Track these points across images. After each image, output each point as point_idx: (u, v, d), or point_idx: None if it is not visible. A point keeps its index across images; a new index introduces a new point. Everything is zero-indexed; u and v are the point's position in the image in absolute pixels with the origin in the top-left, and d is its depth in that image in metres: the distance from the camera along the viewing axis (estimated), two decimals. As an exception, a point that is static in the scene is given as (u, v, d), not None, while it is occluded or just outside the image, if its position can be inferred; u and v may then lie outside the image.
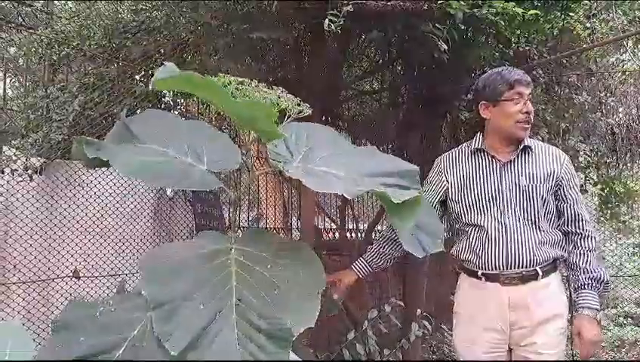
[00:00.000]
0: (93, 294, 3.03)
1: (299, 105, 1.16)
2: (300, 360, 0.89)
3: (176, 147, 1.15)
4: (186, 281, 0.96)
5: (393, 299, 2.94)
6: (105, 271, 3.15)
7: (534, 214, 1.86)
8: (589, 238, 1.92)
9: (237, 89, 1.10)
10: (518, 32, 2.66)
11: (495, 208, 1.87)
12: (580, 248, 1.90)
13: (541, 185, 1.87)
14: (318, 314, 0.92)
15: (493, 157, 1.93)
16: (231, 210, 1.26)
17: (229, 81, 1.10)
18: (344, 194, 1.11)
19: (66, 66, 3.27)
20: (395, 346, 2.84)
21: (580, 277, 1.88)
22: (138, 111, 3.26)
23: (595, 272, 1.87)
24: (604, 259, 6.88)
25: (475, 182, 1.92)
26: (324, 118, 3.30)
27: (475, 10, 2.21)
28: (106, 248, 3.19)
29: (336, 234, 4.48)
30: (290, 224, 5.03)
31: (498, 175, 1.90)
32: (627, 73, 4.16)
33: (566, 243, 1.94)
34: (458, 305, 1.99)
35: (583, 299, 1.86)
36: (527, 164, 1.90)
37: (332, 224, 4.52)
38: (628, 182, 5.47)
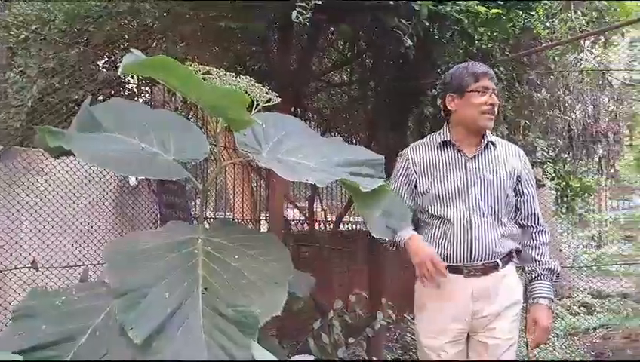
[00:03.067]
0: (52, 286, 2.96)
1: (267, 94, 1.17)
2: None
3: (143, 136, 1.14)
4: (151, 270, 0.96)
5: (357, 289, 2.99)
6: (65, 261, 3.08)
7: (497, 208, 1.93)
8: (544, 232, 2.03)
9: (204, 78, 1.10)
10: (482, 29, 2.72)
11: (460, 202, 1.93)
12: (536, 241, 2.00)
13: (504, 180, 1.94)
14: (284, 303, 0.94)
15: (459, 150, 1.98)
16: (198, 200, 1.26)
17: (196, 69, 1.09)
18: (316, 183, 1.13)
19: (25, 50, 3.15)
20: (360, 335, 2.88)
21: (537, 269, 1.98)
22: (100, 99, 3.19)
23: (549, 264, 1.98)
24: (560, 251, 7.17)
25: (441, 175, 1.97)
26: (292, 109, 3.30)
27: (440, 7, 2.26)
28: (66, 238, 3.12)
29: (305, 226, 4.50)
30: (259, 215, 5.02)
31: (464, 169, 1.96)
32: (584, 72, 4.33)
33: (522, 236, 2.02)
34: (421, 296, 2.03)
35: (539, 289, 1.96)
36: (491, 160, 1.97)
37: (301, 215, 4.54)
38: (583, 178, 5.71)
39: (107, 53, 3.32)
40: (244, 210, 5.06)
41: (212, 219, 4.37)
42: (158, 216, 3.55)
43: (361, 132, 4.23)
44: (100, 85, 3.19)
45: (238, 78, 1.14)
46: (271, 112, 1.33)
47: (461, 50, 2.79)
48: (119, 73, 0.96)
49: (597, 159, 5.45)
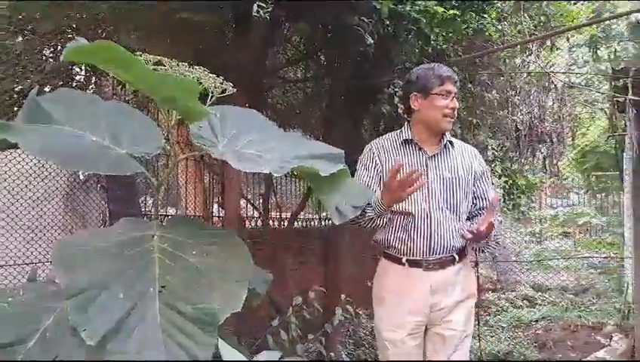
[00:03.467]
0: (-2, 284, 2.81)
1: (222, 84, 1.14)
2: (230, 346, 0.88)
3: (93, 128, 1.09)
4: (104, 269, 0.92)
5: (316, 286, 2.99)
6: (12, 260, 2.93)
7: (455, 205, 2.00)
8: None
9: (155, 68, 1.06)
10: (437, 30, 2.79)
11: (421, 198, 1.97)
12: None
13: (462, 178, 2.02)
14: (244, 299, 0.93)
15: (420, 148, 2.04)
16: (149, 196, 1.22)
17: (147, 59, 1.05)
18: (272, 173, 1.12)
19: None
20: (318, 331, 2.89)
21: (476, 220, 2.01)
22: (47, 90, 3.04)
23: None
24: (505, 247, 7.46)
25: (403, 172, 2.00)
26: (247, 105, 3.26)
27: (399, 6, 2.29)
28: (13, 235, 2.96)
29: (259, 222, 4.47)
30: (211, 212, 4.94)
31: (425, 166, 2.01)
32: (531, 74, 4.51)
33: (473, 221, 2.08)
34: (381, 290, 2.07)
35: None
36: (450, 158, 2.04)
37: (254, 212, 4.50)
38: (528, 176, 5.96)
39: (55, 43, 3.16)
40: (196, 206, 4.97)
41: (163, 216, 4.27)
42: (107, 212, 3.42)
43: (317, 129, 4.24)
44: (47, 76, 3.03)
45: (191, 69, 1.11)
46: (229, 106, 1.31)
47: (417, 50, 2.84)
48: (62, 59, 0.91)
49: (541, 158, 5.71)
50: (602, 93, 5.23)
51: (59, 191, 3.25)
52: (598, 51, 5.69)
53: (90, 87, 3.54)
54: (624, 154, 5.09)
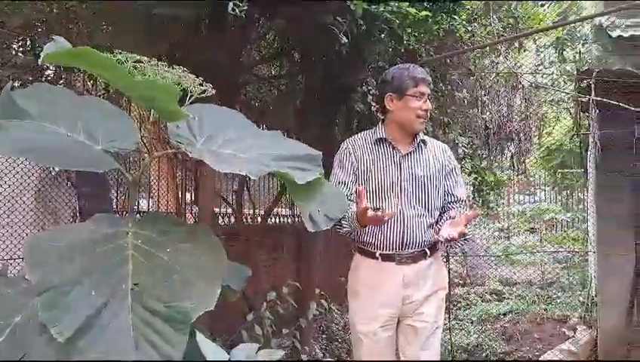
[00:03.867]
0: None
1: (201, 85, 1.14)
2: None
3: (69, 124, 1.08)
4: (76, 266, 0.91)
5: (290, 281, 3.01)
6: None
7: (428, 201, 2.07)
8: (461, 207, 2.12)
9: (134, 67, 1.06)
10: (410, 30, 2.83)
11: (394, 195, 2.04)
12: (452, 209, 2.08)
13: (434, 176, 2.08)
14: (217, 297, 0.93)
15: (394, 147, 2.09)
16: (119, 192, 1.22)
17: (125, 57, 1.05)
18: (248, 175, 1.13)
19: None
20: (292, 326, 2.91)
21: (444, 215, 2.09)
22: (16, 84, 2.96)
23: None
24: (474, 241, 7.63)
25: (377, 170, 2.07)
26: (219, 102, 3.24)
27: (373, 7, 2.32)
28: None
29: (232, 219, 4.45)
30: (184, 208, 4.89)
31: (398, 165, 2.07)
32: (500, 75, 4.62)
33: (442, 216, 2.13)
34: (355, 284, 2.12)
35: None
36: (423, 157, 2.09)
37: (228, 209, 4.48)
38: (497, 172, 6.11)
39: (24, 38, 3.07)
40: (169, 202, 4.92)
41: (136, 213, 4.21)
42: (77, 208, 3.37)
43: (290, 127, 4.24)
44: (18, 71, 2.95)
45: (170, 69, 1.11)
46: (209, 104, 1.31)
47: (390, 49, 2.88)
48: (40, 62, 0.90)
49: (509, 156, 5.85)
50: (567, 94, 5.39)
51: (30, 187, 3.18)
52: (564, 53, 5.87)
53: (60, 82, 3.46)
54: (588, 152, 5.28)
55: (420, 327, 2.04)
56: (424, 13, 2.48)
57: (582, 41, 5.53)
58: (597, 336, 4.21)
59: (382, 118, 2.14)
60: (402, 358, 2.07)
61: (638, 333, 3.79)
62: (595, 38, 5.23)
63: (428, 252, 2.06)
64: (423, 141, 2.12)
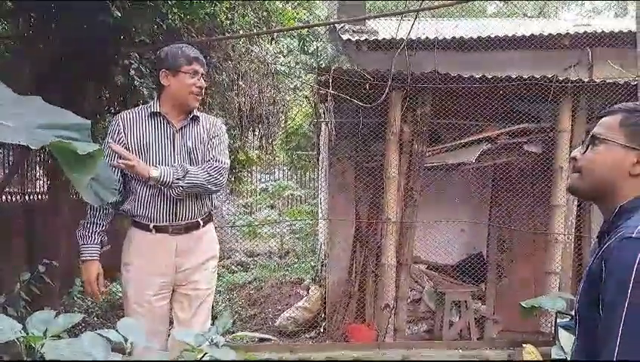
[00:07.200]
0: None
1: None
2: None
3: None
4: None
5: (46, 259, 2.73)
6: None
7: None
8: (205, 170, 2.13)
9: None
10: (176, 10, 2.86)
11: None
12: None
13: (203, 147, 2.17)
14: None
15: (168, 122, 2.13)
16: None
17: None
18: (29, 146, 1.06)
19: None
20: (56, 303, 2.68)
21: None
22: None
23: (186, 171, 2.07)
24: (222, 217, 8.00)
25: (152, 144, 2.09)
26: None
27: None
28: None
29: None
30: None
31: (172, 139, 2.13)
32: (255, 61, 4.98)
33: None
34: (129, 256, 2.13)
35: None
36: (195, 131, 2.18)
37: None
38: (248, 152, 6.55)
39: None
40: None
41: None
42: None
43: (29, 93, 3.73)
44: None
45: None
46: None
47: (155, 27, 2.85)
48: None
49: (259, 137, 6.35)
50: (308, 84, 6.14)
51: None
52: (305, 47, 6.65)
53: None
54: (320, 137, 6.13)
55: (193, 295, 2.17)
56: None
57: (319, 39, 6.37)
58: (325, 292, 4.97)
59: (159, 93, 2.18)
60: (175, 324, 2.18)
61: (354, 285, 4.63)
62: (330, 37, 6.08)
63: (201, 223, 2.18)
64: (197, 116, 2.21)
